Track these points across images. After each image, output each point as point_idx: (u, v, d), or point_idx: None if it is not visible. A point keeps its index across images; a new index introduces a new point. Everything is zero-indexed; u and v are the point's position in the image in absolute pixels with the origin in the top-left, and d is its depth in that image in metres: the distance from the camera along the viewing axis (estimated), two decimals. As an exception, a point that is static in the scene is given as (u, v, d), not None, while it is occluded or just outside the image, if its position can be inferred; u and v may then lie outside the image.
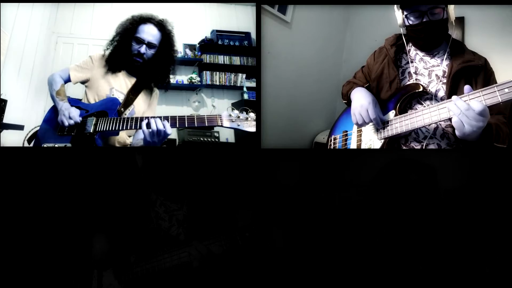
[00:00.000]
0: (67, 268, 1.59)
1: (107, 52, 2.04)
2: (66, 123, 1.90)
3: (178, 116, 1.75)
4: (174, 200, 1.59)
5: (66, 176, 1.91)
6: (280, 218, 1.57)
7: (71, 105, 1.95)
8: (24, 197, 1.90)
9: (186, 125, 1.73)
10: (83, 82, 2.05)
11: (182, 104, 3.60)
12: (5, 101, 2.56)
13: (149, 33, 1.97)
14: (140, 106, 2.02)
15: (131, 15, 2.02)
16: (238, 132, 3.40)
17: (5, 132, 2.42)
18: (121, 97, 1.98)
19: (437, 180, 1.64)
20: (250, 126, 1.73)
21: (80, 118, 1.90)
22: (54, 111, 2.00)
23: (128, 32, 1.98)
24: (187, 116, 1.74)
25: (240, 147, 3.25)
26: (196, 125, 1.72)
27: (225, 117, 1.73)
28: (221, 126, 1.72)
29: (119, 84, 2.01)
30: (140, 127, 1.76)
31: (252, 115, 1.76)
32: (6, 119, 2.54)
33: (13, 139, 2.45)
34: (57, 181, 1.91)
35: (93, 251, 1.55)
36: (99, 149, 1.93)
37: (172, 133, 3.42)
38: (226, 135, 3.47)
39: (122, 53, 1.99)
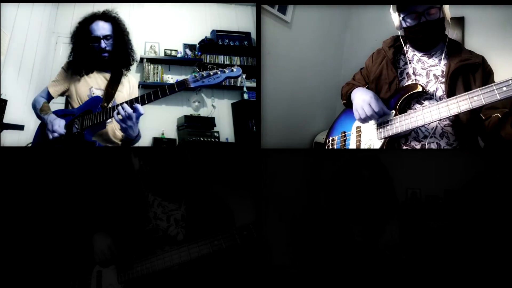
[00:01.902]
0: (66, 268, 1.59)
1: (72, 61, 2.13)
2: (50, 137, 1.99)
3: (152, 91, 1.85)
4: (171, 200, 1.60)
5: (65, 177, 1.92)
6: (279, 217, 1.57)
7: (58, 115, 2.03)
8: (24, 196, 1.90)
9: (160, 96, 1.84)
10: (63, 94, 2.14)
11: (182, 104, 3.59)
12: (5, 101, 2.56)
13: (100, 28, 2.07)
14: (121, 97, 2.08)
15: (78, 22, 2.13)
16: (238, 132, 3.41)
17: (5, 132, 2.42)
18: (101, 94, 2.05)
19: (388, 172, 1.65)
20: (216, 79, 1.84)
21: (64, 130, 1.98)
22: (41, 128, 2.09)
23: (83, 38, 2.08)
24: (159, 88, 1.85)
25: (240, 147, 3.25)
26: (168, 93, 1.84)
27: (191, 79, 1.86)
28: (190, 88, 1.87)
29: (96, 82, 2.09)
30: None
31: (215, 70, 1.87)
32: (6, 119, 2.54)
33: (13, 139, 2.45)
34: (56, 181, 1.91)
35: (94, 250, 1.55)
36: (99, 149, 1.96)
37: (172, 133, 3.45)
38: (226, 135, 3.46)
39: (87, 57, 2.08)
